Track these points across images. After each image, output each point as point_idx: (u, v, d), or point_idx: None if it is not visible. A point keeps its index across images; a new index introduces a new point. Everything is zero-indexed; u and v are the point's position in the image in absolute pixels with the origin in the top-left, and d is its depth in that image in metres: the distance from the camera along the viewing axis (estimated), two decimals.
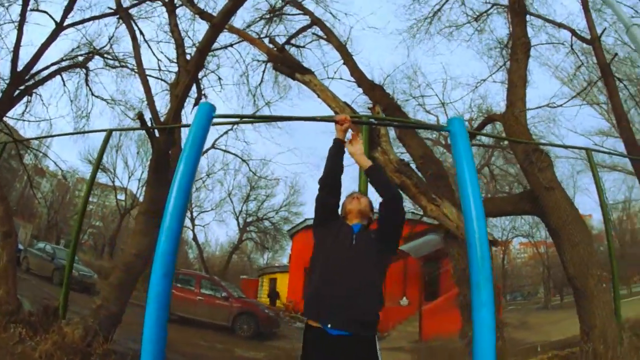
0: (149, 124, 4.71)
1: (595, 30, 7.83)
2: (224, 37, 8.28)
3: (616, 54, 8.32)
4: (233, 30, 6.62)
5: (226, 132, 13.70)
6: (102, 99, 10.10)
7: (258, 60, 9.31)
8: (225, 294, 10.90)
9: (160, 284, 2.08)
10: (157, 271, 2.10)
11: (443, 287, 12.96)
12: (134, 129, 6.93)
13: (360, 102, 10.30)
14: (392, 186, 2.19)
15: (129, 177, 24.02)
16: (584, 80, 13.12)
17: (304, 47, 8.84)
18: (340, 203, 2.24)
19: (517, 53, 6.29)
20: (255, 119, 3.33)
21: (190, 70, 4.64)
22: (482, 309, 2.03)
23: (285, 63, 6.31)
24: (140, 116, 4.68)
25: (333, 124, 2.32)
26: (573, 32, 9.01)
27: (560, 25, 9.49)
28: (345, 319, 1.84)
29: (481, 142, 8.47)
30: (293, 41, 8.38)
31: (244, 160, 18.61)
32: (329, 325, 1.84)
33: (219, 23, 4.47)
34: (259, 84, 9.63)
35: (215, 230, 74.53)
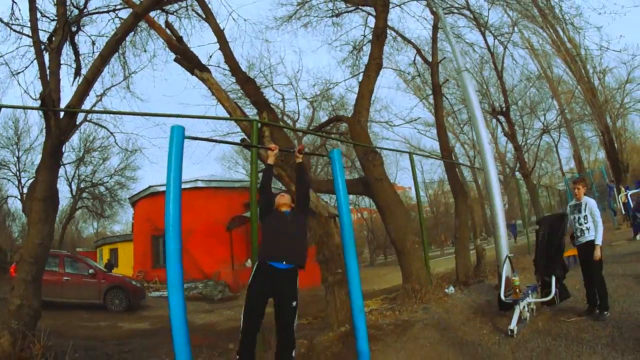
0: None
1: (437, 56, 9.95)
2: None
3: (447, 80, 10.94)
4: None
5: (96, 103, 11.98)
6: None
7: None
8: (92, 271, 10.40)
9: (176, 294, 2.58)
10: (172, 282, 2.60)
11: None
12: (30, 108, 5.91)
13: (229, 89, 10.65)
14: (307, 174, 3.60)
15: None
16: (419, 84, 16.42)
17: (173, 13, 8.09)
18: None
19: (370, 70, 7.48)
20: (222, 141, 3.50)
21: (104, 56, 4.52)
22: (351, 261, 3.56)
23: (185, 57, 6.09)
24: (43, 97, 4.37)
25: None
26: (419, 52, 11.29)
27: (409, 42, 11.72)
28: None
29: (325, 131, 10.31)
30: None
31: (111, 133, 16.44)
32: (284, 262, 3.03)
33: (142, 13, 4.47)
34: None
35: None
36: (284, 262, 3.03)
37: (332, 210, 6.30)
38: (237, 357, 2.98)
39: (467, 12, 11.82)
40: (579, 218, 4.61)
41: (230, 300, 12.28)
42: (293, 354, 3.04)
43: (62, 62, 5.34)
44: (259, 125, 5.57)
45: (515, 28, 12.90)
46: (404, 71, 14.68)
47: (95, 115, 14.62)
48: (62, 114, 4.54)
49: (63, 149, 5.19)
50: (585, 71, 15.63)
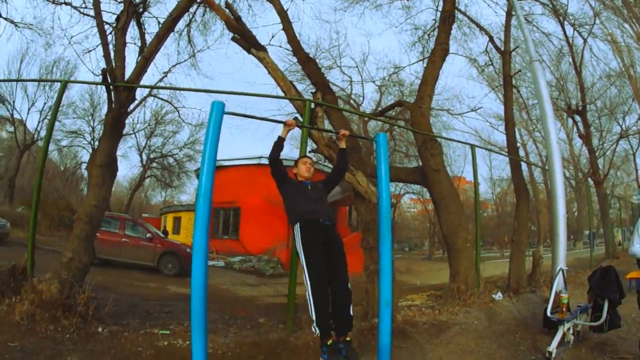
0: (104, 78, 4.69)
1: (510, 45, 9.17)
2: None
3: (520, 70, 10.02)
4: None
5: (161, 79, 12.74)
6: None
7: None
8: (150, 235, 11.11)
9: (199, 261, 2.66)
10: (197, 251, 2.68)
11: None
12: (92, 83, 6.44)
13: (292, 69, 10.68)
14: (347, 161, 3.66)
15: (29, 109, 20.23)
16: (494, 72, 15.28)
17: None
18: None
19: (435, 56, 7.11)
20: (264, 118, 3.50)
21: (161, 36, 4.71)
22: (385, 249, 3.27)
23: (242, 36, 6.16)
24: (104, 73, 4.68)
25: None
26: (491, 39, 10.43)
27: (482, 28, 10.88)
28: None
29: (389, 115, 10.09)
30: None
31: (175, 108, 17.49)
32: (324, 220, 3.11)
33: None
34: (188, 24, 8.80)
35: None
36: (324, 220, 3.10)
37: None
38: (317, 330, 2.77)
39: None
40: None
41: (280, 277, 12.47)
42: (351, 311, 2.92)
43: (129, 41, 5.72)
44: (312, 105, 5.54)
45: (597, 19, 11.42)
46: (475, 59, 13.74)
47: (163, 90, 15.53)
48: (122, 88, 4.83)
49: (126, 121, 5.54)
50: None
